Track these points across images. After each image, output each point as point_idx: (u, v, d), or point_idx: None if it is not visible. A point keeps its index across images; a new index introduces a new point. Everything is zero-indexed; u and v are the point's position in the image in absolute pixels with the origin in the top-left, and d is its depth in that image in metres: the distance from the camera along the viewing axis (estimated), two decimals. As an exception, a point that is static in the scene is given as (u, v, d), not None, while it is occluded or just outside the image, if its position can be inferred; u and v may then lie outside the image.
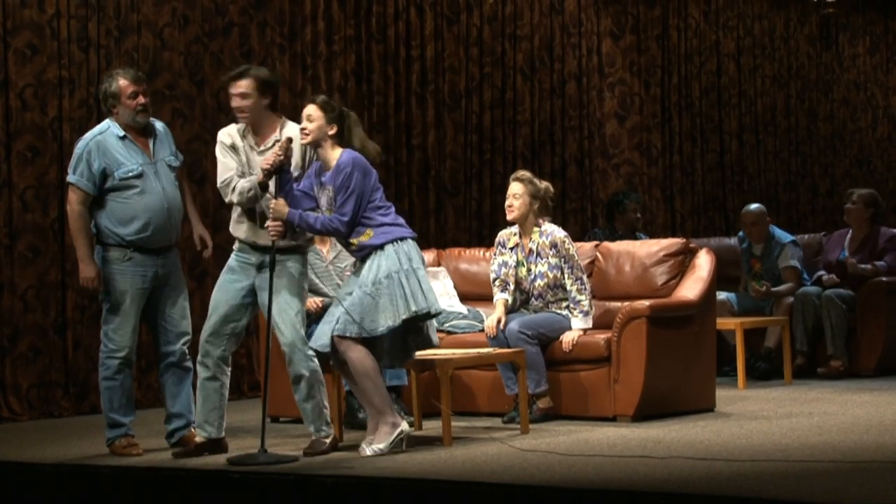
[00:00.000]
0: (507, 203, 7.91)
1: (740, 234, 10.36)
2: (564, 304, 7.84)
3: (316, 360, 6.79)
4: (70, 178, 6.99)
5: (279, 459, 6.48)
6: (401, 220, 6.84)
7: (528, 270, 7.86)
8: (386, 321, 6.64)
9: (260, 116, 6.86)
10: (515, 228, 7.95)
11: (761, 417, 7.63)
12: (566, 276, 7.79)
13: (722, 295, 9.69)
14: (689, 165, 13.05)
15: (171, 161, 7.15)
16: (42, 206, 8.98)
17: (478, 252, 8.99)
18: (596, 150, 12.37)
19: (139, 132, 7.07)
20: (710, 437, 6.89)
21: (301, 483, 6.01)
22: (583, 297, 7.79)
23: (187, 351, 7.21)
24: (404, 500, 5.72)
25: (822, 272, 10.04)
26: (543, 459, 6.28)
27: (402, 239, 6.75)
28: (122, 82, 7.02)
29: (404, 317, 6.65)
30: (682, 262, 8.24)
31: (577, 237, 11.38)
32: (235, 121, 9.93)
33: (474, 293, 8.73)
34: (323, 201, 6.78)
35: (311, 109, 6.77)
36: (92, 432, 7.67)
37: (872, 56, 15.10)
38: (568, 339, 7.75)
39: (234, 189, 6.79)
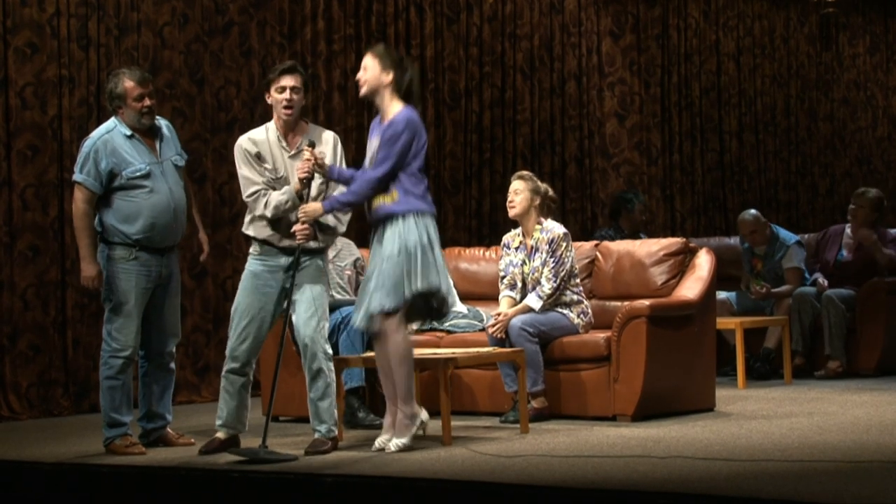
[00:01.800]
0: (508, 200, 7.93)
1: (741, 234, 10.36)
2: (563, 299, 7.84)
3: (332, 361, 6.81)
4: (77, 176, 6.96)
5: (279, 457, 6.48)
6: (428, 198, 6.68)
7: (529, 267, 7.89)
8: (410, 288, 6.53)
9: (297, 115, 6.83)
10: (519, 229, 7.97)
11: (761, 417, 7.63)
12: (546, 270, 7.78)
13: (722, 294, 9.70)
14: (688, 165, 13.05)
15: (176, 161, 7.16)
16: (42, 204, 8.98)
17: (477, 251, 8.99)
18: (596, 150, 12.37)
19: (145, 132, 7.07)
20: (709, 436, 6.89)
21: (300, 482, 6.01)
22: (547, 285, 7.76)
23: (175, 352, 7.24)
24: (404, 499, 5.72)
25: (817, 275, 10.03)
26: (543, 458, 6.28)
27: (422, 213, 6.59)
28: (129, 84, 7.01)
29: (412, 292, 6.53)
30: (681, 262, 8.24)
31: (577, 236, 11.40)
32: (235, 121, 9.94)
33: (474, 292, 8.73)
34: (369, 154, 6.70)
35: (366, 59, 6.67)
36: (92, 431, 7.66)
37: (872, 56, 15.09)
38: (494, 319, 7.72)
39: (266, 204, 6.72)
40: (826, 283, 9.88)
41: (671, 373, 7.78)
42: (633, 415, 7.61)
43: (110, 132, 7.00)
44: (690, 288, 8.05)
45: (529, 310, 7.76)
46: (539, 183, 7.95)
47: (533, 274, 7.86)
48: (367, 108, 10.65)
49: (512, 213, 7.92)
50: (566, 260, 7.82)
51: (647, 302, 7.75)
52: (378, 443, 6.69)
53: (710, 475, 5.70)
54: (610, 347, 7.70)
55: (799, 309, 9.81)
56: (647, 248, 8.36)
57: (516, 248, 7.96)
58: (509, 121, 11.66)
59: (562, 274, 7.79)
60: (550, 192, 8.01)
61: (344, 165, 6.87)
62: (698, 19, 13.18)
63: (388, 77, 6.62)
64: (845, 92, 14.76)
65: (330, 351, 6.81)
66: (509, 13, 11.69)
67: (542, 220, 7.92)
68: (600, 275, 8.42)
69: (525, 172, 8.04)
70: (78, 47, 9.15)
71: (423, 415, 6.70)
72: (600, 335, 7.77)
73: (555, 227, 7.88)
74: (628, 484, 5.57)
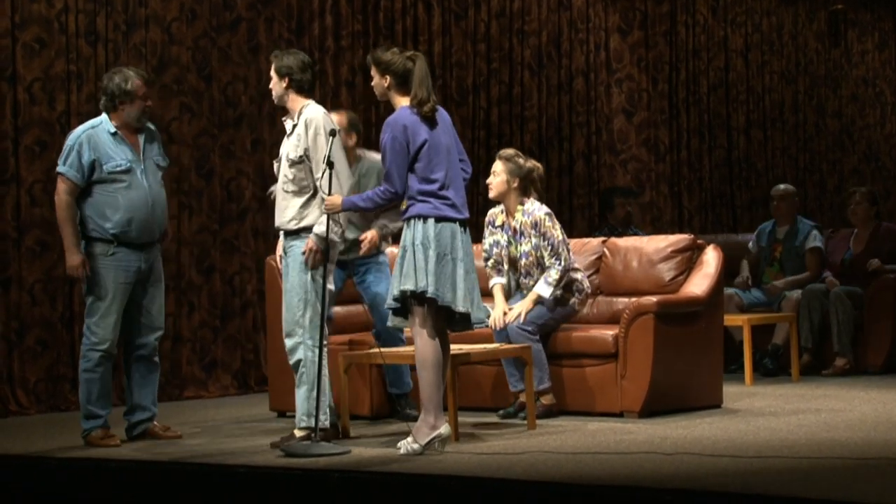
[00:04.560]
0: (487, 181, 7.88)
1: (762, 227, 10.41)
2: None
3: (315, 349, 6.76)
4: (60, 168, 7.11)
5: (330, 452, 6.46)
6: (434, 201, 6.47)
7: (517, 249, 7.82)
8: (399, 286, 6.48)
9: (282, 99, 6.97)
10: (502, 206, 7.90)
11: (768, 414, 7.62)
12: (545, 254, 7.72)
13: (730, 289, 9.71)
14: (696, 161, 13.04)
15: (158, 161, 7.32)
16: (49, 200, 8.93)
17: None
18: (603, 146, 12.36)
19: (131, 130, 7.22)
20: (717, 433, 6.88)
21: (306, 478, 6.01)
22: (553, 270, 7.69)
23: (157, 346, 7.31)
24: (411, 496, 5.72)
25: (827, 273, 10.05)
26: (550, 455, 6.28)
27: (423, 217, 6.47)
28: (138, 82, 7.19)
29: (400, 291, 6.47)
30: (689, 259, 8.23)
31: (584, 233, 11.41)
32: (243, 117, 9.91)
33: (480, 289, 8.70)
34: None
35: (372, 70, 6.67)
36: (99, 426, 7.67)
37: (881, 52, 15.07)
38: (512, 315, 7.63)
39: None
40: (836, 281, 9.90)
41: (678, 369, 7.77)
42: (641, 411, 7.60)
43: (95, 128, 7.17)
44: (698, 284, 8.04)
45: (540, 298, 7.72)
46: (522, 162, 7.79)
47: (525, 259, 7.78)
48: (375, 103, 10.66)
49: (490, 195, 7.84)
50: (558, 237, 7.72)
51: (654, 298, 7.74)
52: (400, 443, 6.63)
53: (717, 472, 5.70)
54: (617, 344, 7.69)
55: (808, 305, 9.80)
56: (655, 244, 8.35)
57: (500, 227, 7.88)
58: (517, 117, 11.66)
59: (562, 252, 7.72)
60: (536, 171, 7.83)
61: (323, 144, 6.79)
62: (706, 16, 13.16)
63: (386, 81, 6.61)
64: (854, 88, 14.75)
65: (309, 340, 6.75)
66: (517, 9, 11.68)
67: (525, 200, 7.82)
68: (608, 271, 8.41)
69: (506, 151, 7.87)
70: (86, 43, 9.16)
71: (444, 430, 6.48)
72: (608, 332, 7.76)
73: (535, 210, 7.76)
74: (635, 480, 5.57)
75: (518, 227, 7.80)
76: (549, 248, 7.72)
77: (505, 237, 7.85)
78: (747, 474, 5.58)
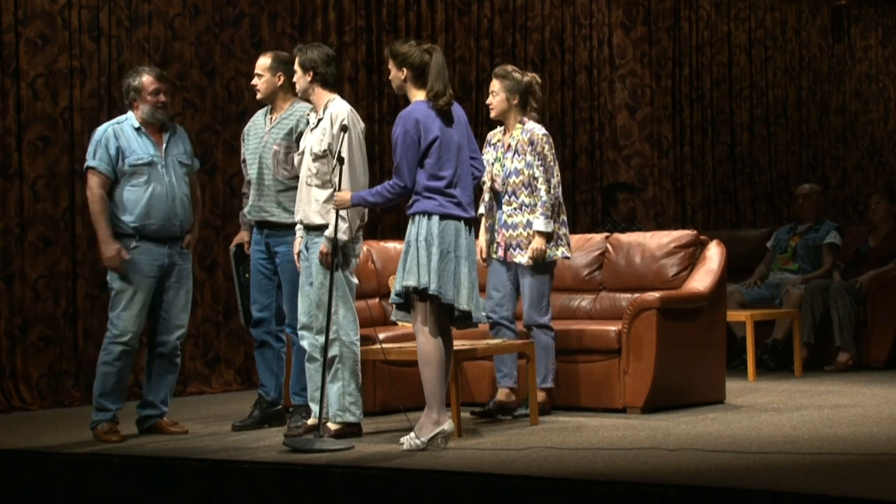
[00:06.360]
0: (487, 101, 7.74)
1: (780, 229, 10.44)
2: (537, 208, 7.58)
3: (352, 345, 6.79)
4: (91, 162, 7.21)
5: (332, 447, 6.47)
6: (440, 198, 6.49)
7: (503, 166, 7.62)
8: (400, 282, 6.51)
9: (307, 93, 7.05)
10: (503, 126, 7.73)
11: (771, 410, 7.62)
12: (538, 174, 7.50)
13: (732, 285, 9.72)
14: (699, 157, 13.03)
15: (182, 158, 7.37)
16: (53, 195, 8.99)
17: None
18: (606, 142, 12.36)
19: (156, 128, 7.33)
20: (719, 429, 6.88)
21: (309, 473, 6.01)
22: (546, 199, 7.49)
23: (180, 346, 7.38)
24: (413, 491, 5.72)
25: (839, 265, 10.10)
26: (552, 451, 6.28)
27: (428, 214, 6.50)
28: (146, 78, 7.30)
29: (403, 287, 6.49)
30: (692, 254, 8.23)
31: (587, 228, 11.41)
32: (245, 112, 9.92)
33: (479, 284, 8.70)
34: None
35: (389, 63, 6.66)
36: (102, 422, 7.68)
37: (884, 48, 15.06)
38: (540, 255, 7.45)
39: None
40: (837, 276, 9.93)
41: (681, 365, 7.77)
42: (643, 407, 7.60)
43: (121, 123, 7.30)
44: (701, 280, 8.04)
45: (543, 235, 7.46)
46: (519, 77, 7.60)
47: (515, 177, 7.54)
48: (378, 99, 10.67)
49: (491, 115, 7.69)
50: (550, 161, 7.53)
51: (657, 294, 7.74)
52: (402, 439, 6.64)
53: (720, 468, 5.70)
54: (620, 339, 7.70)
55: (811, 301, 9.80)
56: (658, 240, 8.35)
57: (493, 146, 7.71)
58: (520, 113, 11.64)
59: (552, 179, 7.52)
60: (536, 82, 7.63)
61: (345, 140, 6.78)
62: (710, 11, 13.15)
63: (403, 73, 6.61)
64: (857, 84, 14.74)
65: (345, 335, 6.76)
66: (520, 5, 11.68)
67: (525, 119, 7.63)
68: (610, 266, 8.41)
69: (502, 68, 7.68)
70: (89, 38, 9.16)
71: (447, 426, 6.49)
72: (611, 327, 7.77)
73: (535, 128, 7.58)
74: (638, 476, 5.57)
75: (514, 143, 7.59)
76: (543, 170, 7.50)
77: (493, 155, 7.68)
78: (750, 470, 5.58)
